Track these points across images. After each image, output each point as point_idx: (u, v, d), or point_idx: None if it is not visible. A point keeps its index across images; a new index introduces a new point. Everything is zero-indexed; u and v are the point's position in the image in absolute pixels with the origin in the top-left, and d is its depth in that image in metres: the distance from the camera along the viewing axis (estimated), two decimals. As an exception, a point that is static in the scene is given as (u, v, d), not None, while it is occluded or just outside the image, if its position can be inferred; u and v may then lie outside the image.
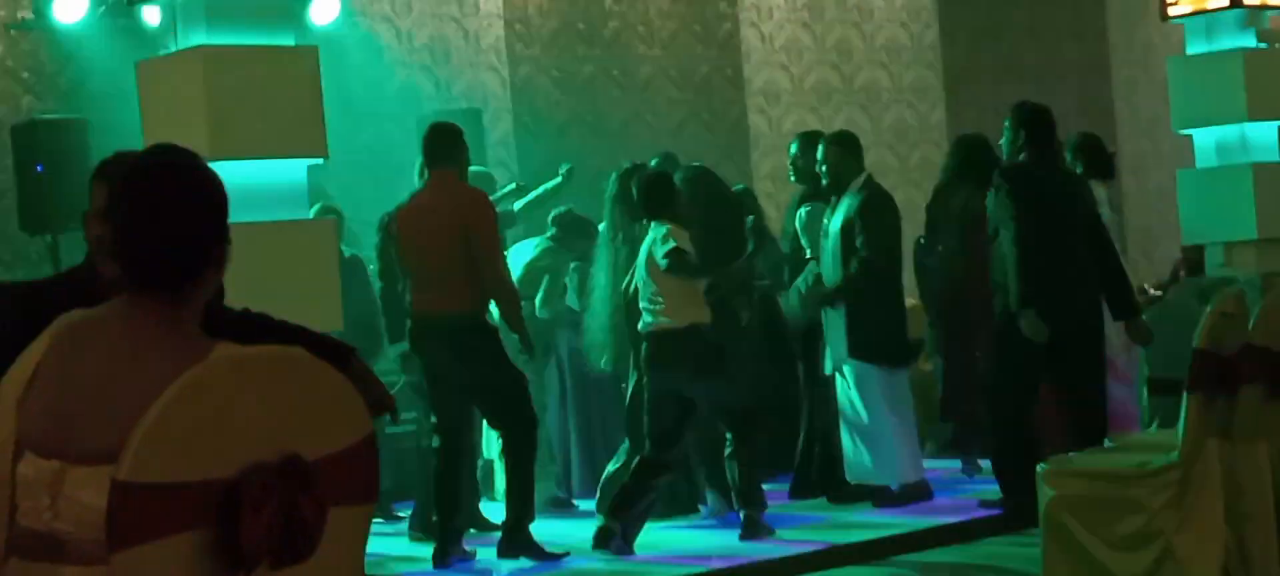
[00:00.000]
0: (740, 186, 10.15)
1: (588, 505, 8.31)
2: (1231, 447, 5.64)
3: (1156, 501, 5.67)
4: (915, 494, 8.09)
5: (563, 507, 8.63)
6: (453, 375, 7.27)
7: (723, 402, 7.50)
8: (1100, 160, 8.62)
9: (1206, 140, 8.47)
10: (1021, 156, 7.68)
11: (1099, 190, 8.35)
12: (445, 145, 7.33)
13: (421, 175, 7.65)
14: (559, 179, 9.06)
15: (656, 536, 7.69)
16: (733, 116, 13.23)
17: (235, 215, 4.93)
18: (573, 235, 8.61)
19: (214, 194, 2.71)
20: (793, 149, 8.94)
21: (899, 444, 8.11)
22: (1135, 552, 5.68)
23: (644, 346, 7.45)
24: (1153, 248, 15.28)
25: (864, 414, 8.08)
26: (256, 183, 5.18)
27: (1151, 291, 12.15)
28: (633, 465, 7.53)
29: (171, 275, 2.60)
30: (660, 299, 7.35)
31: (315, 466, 2.53)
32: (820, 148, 8.29)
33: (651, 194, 7.46)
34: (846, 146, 8.24)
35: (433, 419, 7.49)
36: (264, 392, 2.53)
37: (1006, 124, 7.84)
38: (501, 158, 11.62)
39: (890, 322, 8.06)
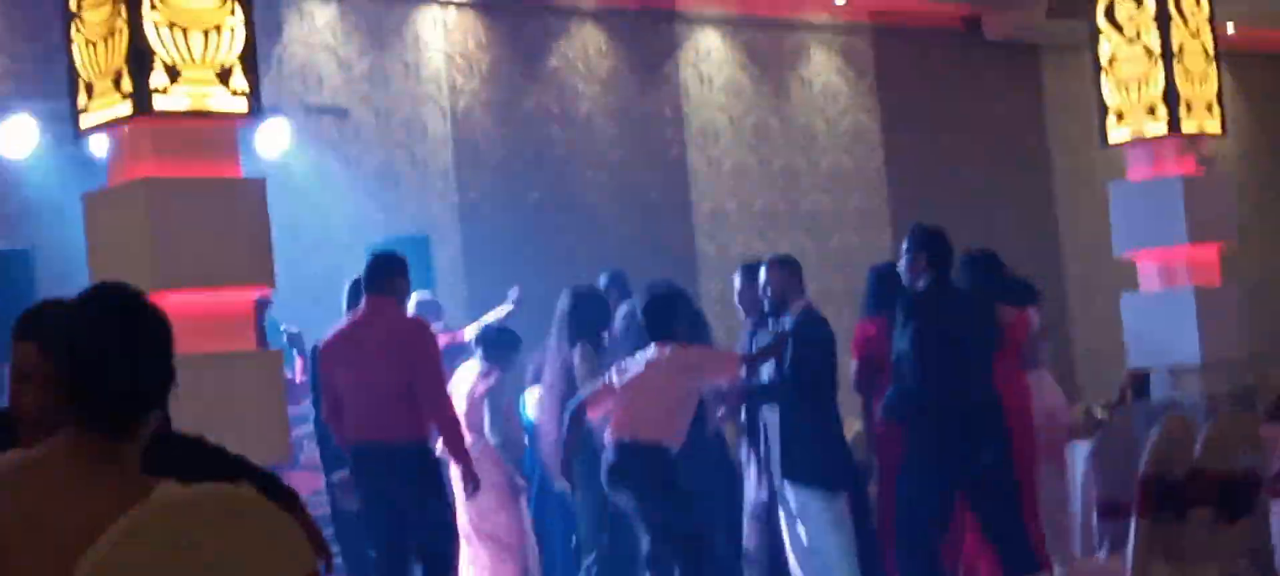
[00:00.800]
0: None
1: None
2: (1181, 571, 5.65)
3: (1107, 627, 5.67)
4: None
5: None
6: (396, 503, 7.21)
7: (676, 527, 7.46)
8: (992, 279, 8.42)
9: (1148, 264, 8.56)
10: (921, 283, 7.70)
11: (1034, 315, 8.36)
12: (385, 273, 7.29)
13: (350, 303, 7.66)
14: (510, 305, 9.07)
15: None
16: (680, 240, 13.28)
17: (181, 346, 4.90)
18: (498, 349, 8.58)
19: (160, 333, 2.69)
20: (737, 282, 8.97)
21: (838, 570, 8.03)
22: (1088, 679, 5.67)
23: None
24: (1101, 369, 15.38)
25: (803, 537, 8.05)
26: (203, 313, 5.14)
27: (1099, 413, 12.22)
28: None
29: (118, 416, 2.57)
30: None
31: (258, 606, 2.50)
32: (763, 270, 8.33)
33: (657, 313, 7.61)
34: (789, 268, 8.27)
35: (370, 552, 7.44)
36: (206, 533, 2.50)
37: (905, 247, 7.87)
38: (450, 283, 11.61)
39: (825, 445, 8.01)
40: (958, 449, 7.50)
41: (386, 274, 7.30)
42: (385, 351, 7.12)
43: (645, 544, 7.70)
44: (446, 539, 7.32)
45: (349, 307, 7.94)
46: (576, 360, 8.02)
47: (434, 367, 7.25)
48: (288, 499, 3.47)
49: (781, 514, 8.15)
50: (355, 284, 8.11)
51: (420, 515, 7.21)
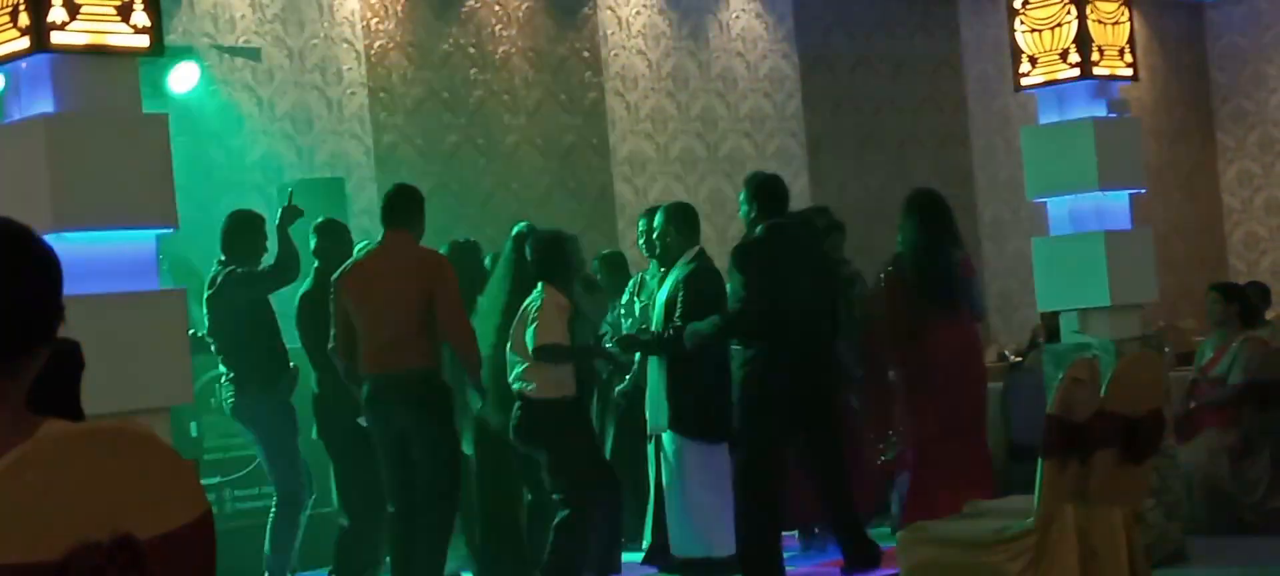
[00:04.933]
0: (606, 251, 10.27)
1: None
2: (1086, 512, 5.71)
3: (1014, 567, 5.72)
4: (727, 568, 8.04)
5: None
6: (407, 431, 7.35)
7: (564, 470, 7.45)
8: (938, 220, 8.48)
9: (1060, 208, 8.61)
10: (758, 230, 7.80)
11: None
12: (403, 207, 7.51)
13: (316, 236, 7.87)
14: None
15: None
16: (599, 185, 13.26)
17: (83, 287, 4.83)
18: None
19: (45, 267, 2.63)
20: (640, 225, 8.97)
21: (711, 517, 8.06)
22: (993, 618, 5.73)
23: (515, 408, 7.47)
24: (1012, 312, 15.54)
25: (677, 484, 8.09)
26: (103, 253, 5.06)
27: (1011, 357, 12.34)
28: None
29: (3, 349, 2.52)
30: (528, 369, 7.37)
31: (149, 546, 2.46)
32: (658, 217, 8.34)
33: (545, 256, 7.50)
34: (679, 220, 8.26)
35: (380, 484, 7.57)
36: (94, 470, 2.45)
37: (742, 197, 8.00)
38: (365, 227, 11.50)
39: (706, 397, 8.00)
40: (798, 392, 7.64)
41: (405, 208, 7.49)
42: (405, 281, 7.29)
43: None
44: (454, 474, 7.42)
45: (319, 247, 8.15)
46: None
47: (454, 290, 7.38)
48: None
49: (661, 464, 8.17)
50: (328, 226, 8.20)
51: (429, 444, 7.33)
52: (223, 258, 8.14)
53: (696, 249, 8.21)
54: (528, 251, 7.69)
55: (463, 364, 7.49)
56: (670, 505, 8.13)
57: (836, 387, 8.06)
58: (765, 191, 7.90)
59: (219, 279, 8.02)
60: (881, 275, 8.34)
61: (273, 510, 8.07)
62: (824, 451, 7.88)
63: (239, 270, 8.02)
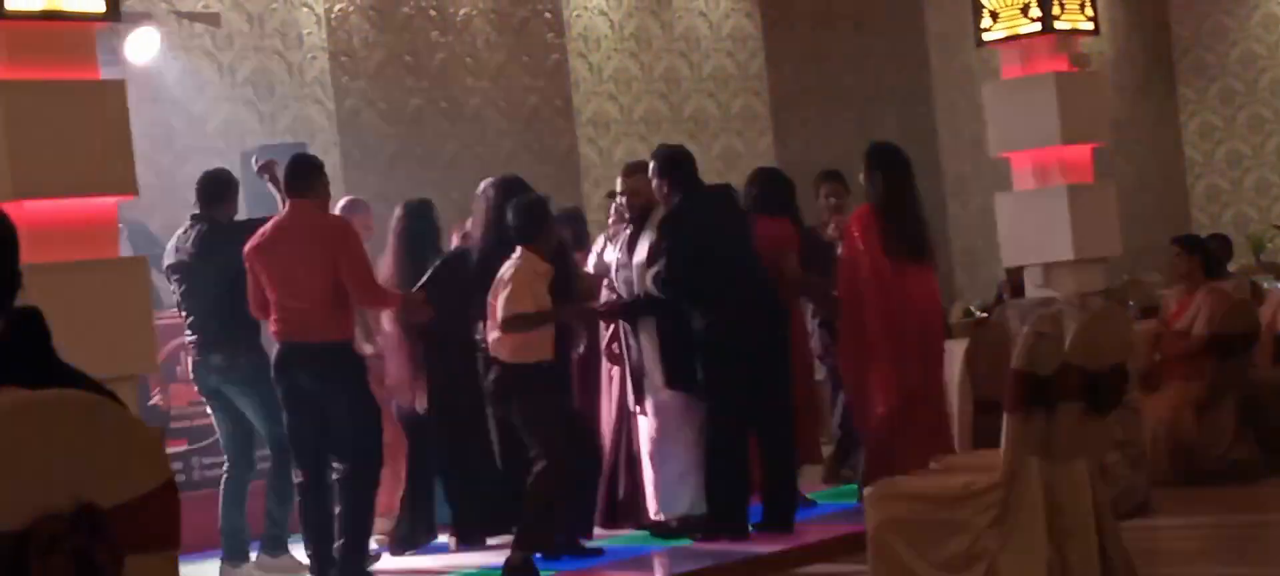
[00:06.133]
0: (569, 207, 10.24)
1: None
2: (1051, 465, 5.73)
3: (980, 521, 5.75)
4: (694, 525, 8.06)
5: None
6: (318, 401, 7.34)
7: (538, 429, 7.39)
8: (770, 195, 8.70)
9: (1023, 163, 8.63)
10: (673, 202, 7.91)
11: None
12: (304, 175, 7.46)
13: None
14: None
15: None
16: (563, 147, 13.23)
17: (42, 254, 4.78)
18: None
19: (3, 234, 2.61)
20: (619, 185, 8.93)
21: (691, 473, 8.09)
22: (961, 573, 5.75)
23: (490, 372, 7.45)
24: (977, 268, 15.58)
25: (660, 440, 8.11)
26: (63, 221, 5.02)
27: (977, 313, 12.39)
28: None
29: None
30: (502, 335, 7.34)
31: (111, 514, 2.45)
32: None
33: (525, 219, 7.43)
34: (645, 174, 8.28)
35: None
36: (54, 438, 2.44)
37: (650, 171, 8.08)
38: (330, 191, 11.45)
39: (691, 350, 8.02)
40: (744, 350, 7.75)
41: (304, 176, 7.46)
42: (308, 251, 7.26)
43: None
44: (370, 437, 7.41)
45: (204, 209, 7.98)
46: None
47: (356, 254, 7.36)
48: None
49: (643, 422, 8.18)
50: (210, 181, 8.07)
51: (343, 413, 7.31)
52: (197, 214, 7.98)
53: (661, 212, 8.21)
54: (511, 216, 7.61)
55: (371, 306, 7.63)
56: (663, 466, 8.13)
57: (785, 346, 8.07)
58: (673, 163, 8.00)
59: (204, 233, 7.87)
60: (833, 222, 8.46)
61: (268, 467, 8.00)
62: (773, 410, 7.95)
63: (226, 222, 7.93)
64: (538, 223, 7.47)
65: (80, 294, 4.90)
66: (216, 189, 8.03)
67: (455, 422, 8.18)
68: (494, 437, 8.06)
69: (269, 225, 7.49)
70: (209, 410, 8.15)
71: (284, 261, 7.33)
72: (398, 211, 8.52)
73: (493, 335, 7.42)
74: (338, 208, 8.38)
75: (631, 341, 8.11)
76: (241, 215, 8.29)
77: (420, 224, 8.41)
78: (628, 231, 8.26)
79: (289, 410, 7.47)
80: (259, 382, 7.71)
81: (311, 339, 7.27)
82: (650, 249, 7.97)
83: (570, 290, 7.85)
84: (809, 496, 8.67)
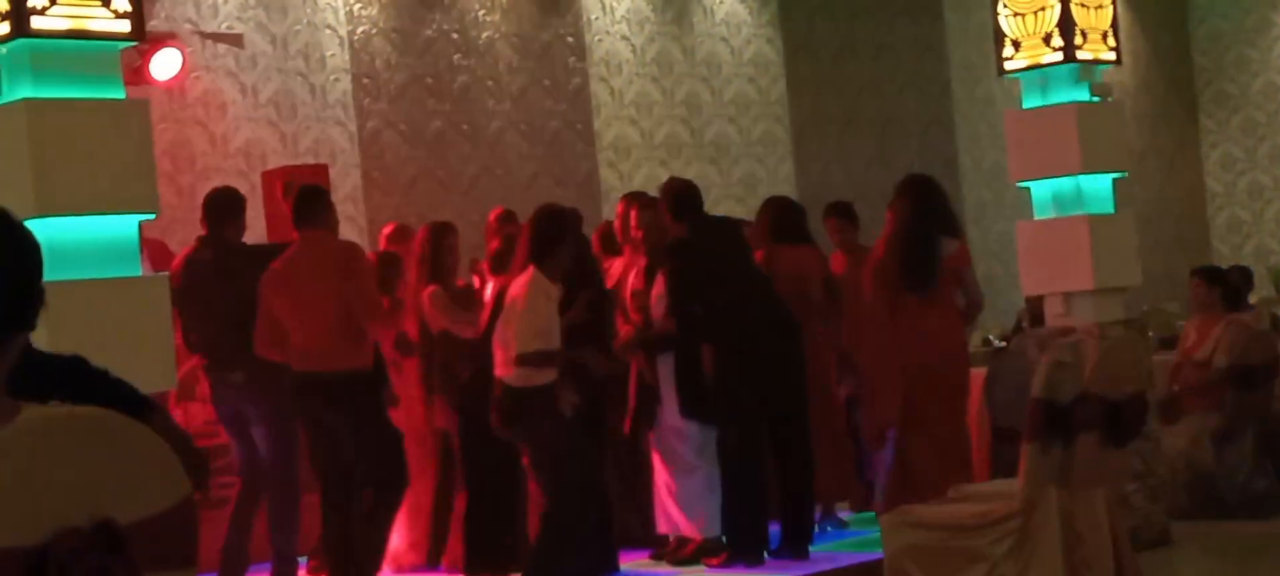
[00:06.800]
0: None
1: None
2: (1069, 495, 5.72)
3: (998, 550, 5.74)
4: (709, 550, 8.05)
5: None
6: (338, 432, 7.37)
7: (546, 462, 7.28)
8: (789, 222, 8.70)
9: (1043, 192, 8.62)
10: (677, 234, 7.96)
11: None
12: (311, 205, 7.51)
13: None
14: None
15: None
16: (583, 171, 13.25)
17: (65, 272, 4.81)
18: None
19: (25, 252, 2.62)
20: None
21: (708, 500, 8.08)
22: (977, 601, 5.74)
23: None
24: (996, 297, 15.54)
25: (681, 470, 8.11)
26: (85, 239, 5.04)
27: (996, 341, 12.36)
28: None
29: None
30: (509, 358, 7.26)
31: (129, 531, 2.45)
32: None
33: (540, 236, 7.28)
34: (654, 209, 8.31)
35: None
36: (74, 455, 2.44)
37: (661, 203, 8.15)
38: (350, 213, 11.51)
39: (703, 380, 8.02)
40: (749, 380, 7.80)
41: (313, 205, 7.50)
42: (320, 279, 7.27)
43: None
44: (393, 465, 7.42)
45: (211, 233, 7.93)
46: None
47: (363, 280, 7.37)
48: (146, 407, 3.44)
49: (657, 453, 8.16)
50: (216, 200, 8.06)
51: (363, 442, 7.33)
52: (206, 234, 7.92)
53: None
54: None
55: (384, 347, 7.61)
56: (675, 492, 8.12)
57: (802, 378, 8.07)
58: (677, 196, 8.05)
59: (221, 256, 7.78)
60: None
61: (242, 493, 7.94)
62: (790, 439, 7.95)
63: (237, 242, 7.92)
64: (551, 242, 7.27)
65: (102, 311, 4.92)
66: (226, 207, 7.96)
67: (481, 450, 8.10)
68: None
69: (280, 259, 7.51)
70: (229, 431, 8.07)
71: (297, 292, 7.34)
72: (420, 234, 8.51)
73: (501, 361, 7.31)
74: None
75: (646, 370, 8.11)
76: (259, 235, 8.30)
77: (443, 244, 8.36)
78: (644, 262, 8.28)
79: (310, 438, 7.48)
80: (279, 400, 7.69)
81: (328, 368, 7.28)
82: (664, 280, 8.00)
83: (600, 308, 7.87)
84: (843, 516, 8.73)
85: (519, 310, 7.18)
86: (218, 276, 7.76)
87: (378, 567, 7.48)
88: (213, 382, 7.91)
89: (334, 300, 7.25)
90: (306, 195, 7.61)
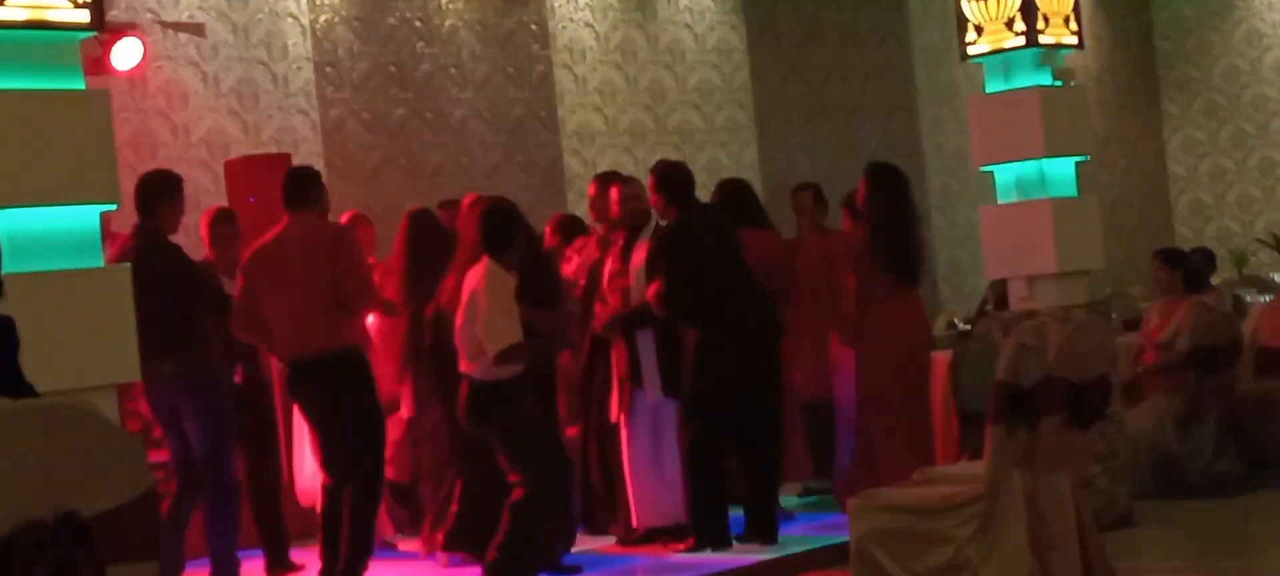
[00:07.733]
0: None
1: None
2: (1034, 477, 5.75)
3: (963, 532, 5.76)
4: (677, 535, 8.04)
5: None
6: (328, 412, 7.37)
7: (515, 452, 7.26)
8: (749, 206, 8.74)
9: (1007, 176, 8.66)
10: (668, 219, 7.96)
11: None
12: (300, 187, 7.49)
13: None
14: None
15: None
16: (548, 158, 13.22)
17: (25, 264, 4.78)
18: None
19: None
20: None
21: (669, 483, 8.10)
22: (943, 584, 5.76)
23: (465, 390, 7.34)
24: (961, 281, 15.61)
25: (651, 447, 8.12)
26: (46, 230, 5.01)
27: (960, 325, 12.41)
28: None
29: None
30: (475, 353, 7.22)
31: (93, 522, 2.44)
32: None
33: (493, 229, 7.28)
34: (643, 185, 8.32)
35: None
36: (37, 448, 2.44)
37: (652, 183, 8.11)
38: (313, 202, 11.45)
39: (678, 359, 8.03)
40: (730, 373, 7.78)
41: (303, 187, 7.48)
42: (308, 260, 7.27)
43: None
44: (373, 448, 7.44)
45: None
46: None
47: (352, 259, 7.38)
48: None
49: (627, 432, 8.16)
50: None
51: (349, 422, 7.34)
52: (139, 223, 7.53)
53: (654, 221, 8.22)
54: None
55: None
56: (652, 477, 8.11)
57: (776, 360, 8.08)
58: (672, 181, 8.01)
59: (142, 247, 7.37)
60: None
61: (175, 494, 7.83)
62: (762, 423, 7.95)
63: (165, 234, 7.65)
64: (506, 236, 7.26)
65: (62, 302, 4.89)
66: (155, 193, 7.55)
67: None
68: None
69: (269, 237, 7.46)
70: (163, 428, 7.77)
71: (285, 272, 7.31)
72: (403, 220, 8.44)
73: (465, 356, 7.27)
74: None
75: (623, 350, 8.09)
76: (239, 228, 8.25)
77: (425, 230, 8.32)
78: (621, 242, 8.24)
79: (310, 425, 7.52)
80: (224, 399, 7.59)
81: (316, 350, 7.28)
82: (649, 260, 7.94)
83: (549, 294, 7.82)
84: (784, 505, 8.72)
85: (482, 307, 7.15)
86: (138, 268, 7.46)
87: (365, 566, 7.43)
88: (144, 376, 7.64)
89: (321, 278, 7.24)
90: (297, 177, 7.59)
